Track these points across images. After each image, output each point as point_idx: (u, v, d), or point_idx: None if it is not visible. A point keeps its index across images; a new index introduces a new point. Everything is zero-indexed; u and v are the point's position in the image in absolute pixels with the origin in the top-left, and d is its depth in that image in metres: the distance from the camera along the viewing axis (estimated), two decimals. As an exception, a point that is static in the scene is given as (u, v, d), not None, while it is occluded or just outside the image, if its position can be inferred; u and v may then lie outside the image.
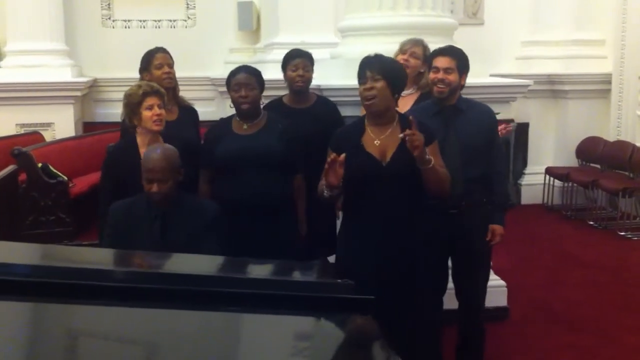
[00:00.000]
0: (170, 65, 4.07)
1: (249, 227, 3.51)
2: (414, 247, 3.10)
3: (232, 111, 3.74)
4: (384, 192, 3.02)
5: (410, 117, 2.99)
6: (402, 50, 3.85)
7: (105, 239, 3.23)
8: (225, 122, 3.77)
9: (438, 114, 3.47)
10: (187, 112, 4.17)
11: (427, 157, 2.96)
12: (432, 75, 3.46)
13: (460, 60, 3.45)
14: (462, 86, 3.51)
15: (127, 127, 3.60)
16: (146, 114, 3.42)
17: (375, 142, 3.07)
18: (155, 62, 4.05)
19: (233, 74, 3.65)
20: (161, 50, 4.13)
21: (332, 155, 2.95)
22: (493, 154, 3.53)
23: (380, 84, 3.00)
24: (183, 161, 3.29)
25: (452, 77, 3.41)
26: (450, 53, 3.46)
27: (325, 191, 3.03)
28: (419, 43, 3.89)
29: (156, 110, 3.42)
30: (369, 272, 2.91)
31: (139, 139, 3.49)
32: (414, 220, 3.10)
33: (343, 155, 2.93)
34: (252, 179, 3.51)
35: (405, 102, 3.73)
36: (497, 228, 3.54)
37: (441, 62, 3.43)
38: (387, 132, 3.08)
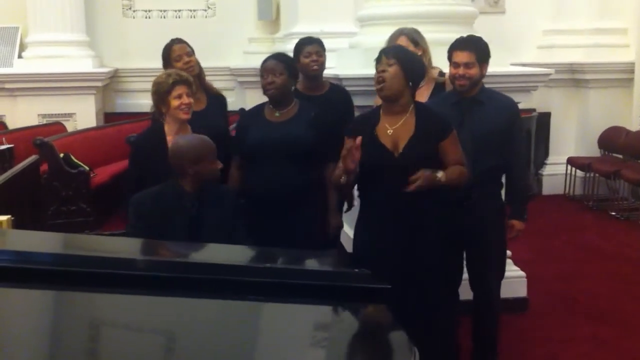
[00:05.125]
0: (189, 53, 4.05)
1: (273, 217, 3.53)
2: (427, 237, 3.10)
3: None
4: (396, 182, 3.00)
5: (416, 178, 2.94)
6: None
7: (130, 230, 3.18)
8: (258, 108, 3.77)
9: (456, 104, 3.45)
10: (216, 100, 4.14)
11: (437, 179, 2.97)
12: (452, 71, 3.43)
13: (479, 52, 3.41)
14: (484, 75, 3.48)
15: (157, 116, 3.62)
16: (174, 102, 3.44)
17: (389, 131, 3.07)
18: (173, 55, 4.05)
19: (264, 61, 3.67)
20: (176, 41, 4.12)
21: (350, 141, 2.95)
22: (512, 147, 3.48)
23: (393, 69, 3.02)
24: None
25: (473, 72, 3.38)
26: (469, 46, 3.41)
27: (343, 177, 3.03)
28: (400, 33, 3.84)
29: (185, 99, 3.44)
30: (382, 261, 2.91)
31: (166, 128, 3.51)
32: (427, 210, 3.08)
33: (359, 138, 2.93)
34: (278, 168, 3.51)
35: (420, 93, 3.72)
36: (516, 223, 3.53)
37: (460, 57, 3.39)
38: (401, 122, 3.08)
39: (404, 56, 3.09)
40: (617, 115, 7.67)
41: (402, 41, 3.78)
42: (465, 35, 3.57)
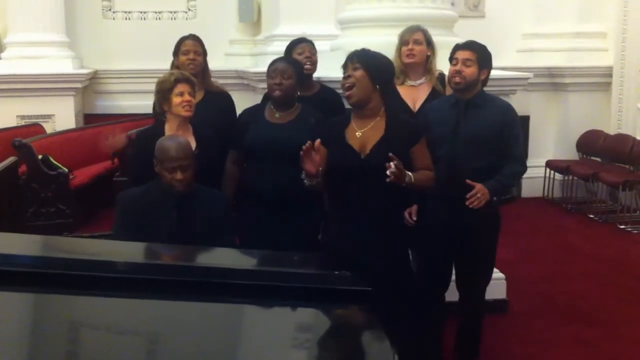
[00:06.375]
0: (198, 52, 4.11)
1: (266, 218, 3.54)
2: (395, 240, 3.10)
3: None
4: (363, 184, 3.02)
5: (391, 155, 2.91)
6: (403, 42, 3.80)
7: (118, 228, 3.20)
8: (260, 107, 3.80)
9: (454, 105, 3.49)
10: (214, 97, 4.13)
11: (406, 179, 2.96)
12: (450, 68, 3.47)
13: (480, 55, 3.45)
14: (484, 82, 3.51)
15: (158, 114, 3.64)
16: (176, 99, 3.48)
17: (357, 133, 3.09)
18: (183, 48, 4.11)
19: (273, 62, 3.71)
20: (191, 37, 4.19)
21: (308, 143, 2.95)
22: (509, 149, 3.48)
23: (358, 73, 3.03)
24: (212, 147, 3.46)
25: (470, 70, 3.41)
26: (471, 47, 3.47)
27: (306, 180, 3.04)
28: (418, 29, 3.85)
29: (186, 97, 3.49)
30: (351, 263, 2.90)
31: (167, 126, 3.55)
32: (393, 213, 3.09)
33: (317, 141, 2.94)
34: (274, 170, 3.52)
35: (418, 92, 3.73)
36: (481, 188, 3.33)
37: (461, 54, 3.44)
38: (370, 125, 3.09)
39: (368, 59, 3.08)
40: (595, 118, 7.75)
41: (419, 35, 3.80)
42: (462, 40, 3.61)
